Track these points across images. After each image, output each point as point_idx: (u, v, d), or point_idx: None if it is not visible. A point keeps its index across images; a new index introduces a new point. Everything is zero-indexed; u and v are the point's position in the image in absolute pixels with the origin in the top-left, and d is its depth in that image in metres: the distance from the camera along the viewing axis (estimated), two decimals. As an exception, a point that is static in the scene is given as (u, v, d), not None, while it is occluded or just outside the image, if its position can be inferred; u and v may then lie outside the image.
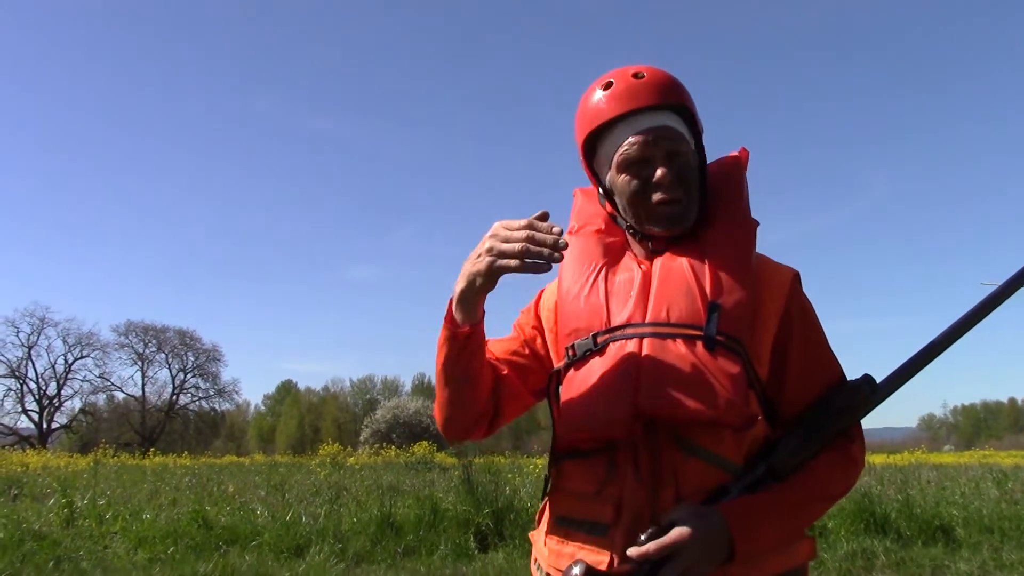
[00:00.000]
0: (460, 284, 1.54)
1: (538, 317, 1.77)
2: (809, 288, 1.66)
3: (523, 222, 1.46)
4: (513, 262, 1.45)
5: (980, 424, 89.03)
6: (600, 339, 1.57)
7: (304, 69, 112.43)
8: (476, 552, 8.05)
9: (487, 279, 1.50)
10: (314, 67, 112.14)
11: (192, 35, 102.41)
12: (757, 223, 1.65)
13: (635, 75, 1.60)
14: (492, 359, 1.74)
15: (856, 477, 1.60)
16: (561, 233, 1.43)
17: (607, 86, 1.61)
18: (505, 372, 1.74)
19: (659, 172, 1.57)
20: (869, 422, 1.63)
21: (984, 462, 23.97)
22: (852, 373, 1.63)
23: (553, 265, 1.43)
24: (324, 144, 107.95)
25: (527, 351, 1.76)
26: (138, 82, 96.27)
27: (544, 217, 1.47)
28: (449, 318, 1.60)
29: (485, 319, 1.61)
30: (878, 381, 1.60)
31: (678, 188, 1.58)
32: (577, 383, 1.57)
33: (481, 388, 1.68)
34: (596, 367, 1.55)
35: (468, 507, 8.72)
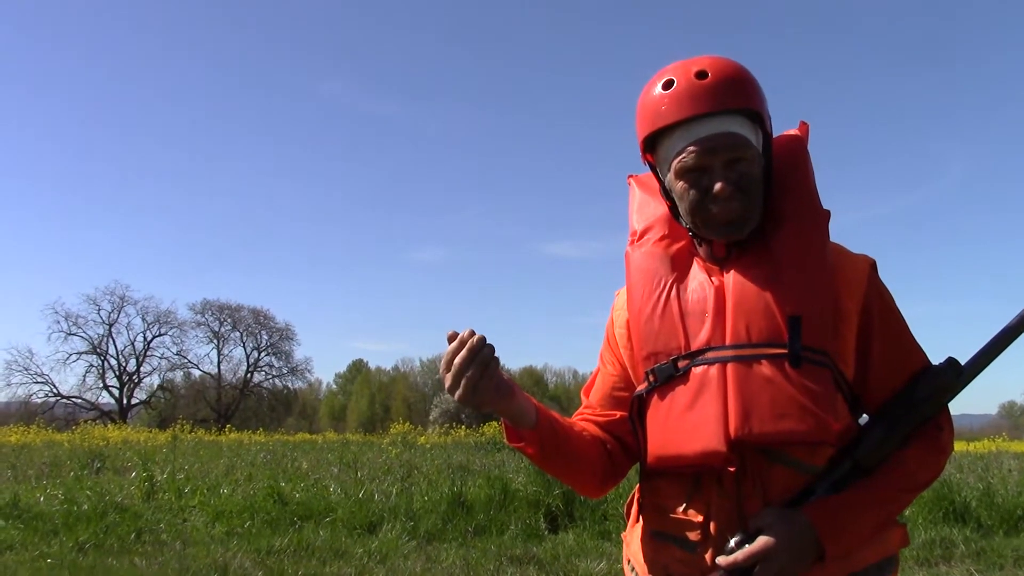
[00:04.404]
0: None
1: (616, 336, 1.72)
2: (888, 271, 1.62)
3: (443, 361, 1.46)
4: (459, 391, 1.43)
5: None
6: (681, 364, 1.52)
7: (369, 52, 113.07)
8: (546, 533, 8.06)
9: (478, 404, 1.47)
10: (379, 50, 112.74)
11: (260, 19, 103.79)
12: (828, 214, 1.58)
13: (698, 74, 1.51)
14: (596, 410, 1.72)
15: (944, 465, 1.56)
16: (473, 334, 1.42)
17: (668, 84, 1.53)
18: (616, 415, 1.69)
19: (717, 186, 1.50)
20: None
21: (1069, 451, 23.22)
22: (938, 355, 1.59)
23: (495, 353, 1.43)
24: (389, 126, 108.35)
25: (621, 383, 1.70)
26: (214, 67, 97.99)
27: (451, 337, 1.44)
28: (509, 434, 1.58)
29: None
30: (962, 363, 1.55)
31: (736, 199, 1.51)
32: (663, 411, 1.54)
33: (588, 461, 1.65)
34: (681, 395, 1.51)
35: (538, 488, 8.71)
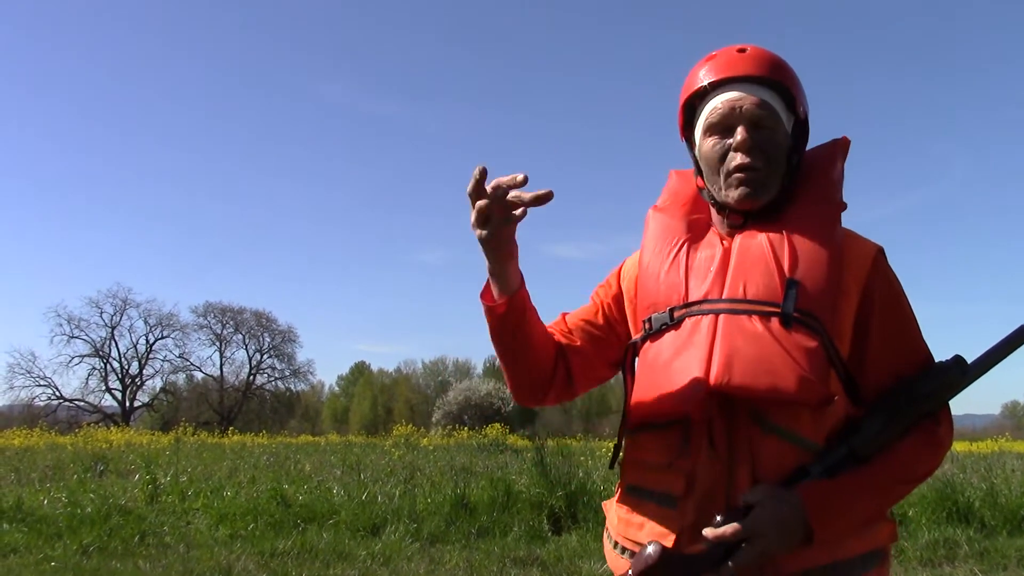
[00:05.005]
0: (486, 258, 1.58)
1: (619, 286, 1.78)
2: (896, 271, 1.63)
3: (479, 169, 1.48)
4: (481, 202, 1.47)
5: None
6: (677, 314, 1.57)
7: (369, 52, 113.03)
8: (550, 534, 8.06)
9: (486, 237, 1.51)
10: (379, 50, 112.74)
11: (260, 20, 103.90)
12: (844, 205, 1.63)
13: (739, 50, 1.63)
14: (564, 330, 1.78)
15: (941, 459, 1.57)
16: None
17: (709, 59, 1.65)
18: (578, 343, 1.76)
19: (739, 135, 1.57)
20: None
21: (1072, 451, 23.16)
22: (938, 357, 1.59)
23: (525, 208, 1.47)
24: (389, 126, 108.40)
25: (601, 320, 1.77)
26: (214, 67, 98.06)
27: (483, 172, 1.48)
28: (485, 292, 1.64)
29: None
30: (969, 362, 1.56)
31: (757, 155, 1.57)
32: (652, 357, 1.59)
33: (538, 356, 1.70)
34: (671, 342, 1.56)
35: (541, 489, 8.72)
